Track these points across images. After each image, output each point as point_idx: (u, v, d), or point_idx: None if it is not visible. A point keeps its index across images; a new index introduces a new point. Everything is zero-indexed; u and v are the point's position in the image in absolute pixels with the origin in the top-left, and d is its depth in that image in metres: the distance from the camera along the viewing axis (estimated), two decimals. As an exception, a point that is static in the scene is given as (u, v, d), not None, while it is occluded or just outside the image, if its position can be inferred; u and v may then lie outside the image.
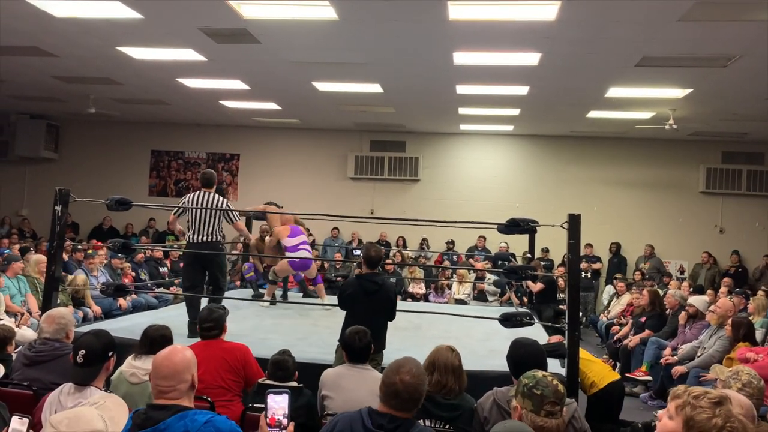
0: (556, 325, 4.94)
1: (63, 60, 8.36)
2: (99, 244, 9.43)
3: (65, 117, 13.21)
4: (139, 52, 7.83)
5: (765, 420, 3.02)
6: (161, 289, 9.41)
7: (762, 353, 5.05)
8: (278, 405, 2.11)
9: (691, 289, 9.16)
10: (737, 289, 8.98)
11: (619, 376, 4.88)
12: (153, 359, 2.25)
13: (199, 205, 5.52)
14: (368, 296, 4.29)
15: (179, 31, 6.92)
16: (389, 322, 4.46)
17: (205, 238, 5.52)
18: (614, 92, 8.52)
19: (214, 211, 5.49)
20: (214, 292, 5.71)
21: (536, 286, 8.62)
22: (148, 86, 9.78)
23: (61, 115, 13.05)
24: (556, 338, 5.06)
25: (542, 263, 10.30)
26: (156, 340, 3.32)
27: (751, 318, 6.28)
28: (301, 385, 3.46)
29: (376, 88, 9.00)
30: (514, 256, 9.62)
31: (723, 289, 7.99)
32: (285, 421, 2.10)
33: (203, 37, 6.99)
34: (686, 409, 1.76)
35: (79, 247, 9.02)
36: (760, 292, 7.47)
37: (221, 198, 5.68)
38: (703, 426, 1.71)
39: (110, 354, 2.77)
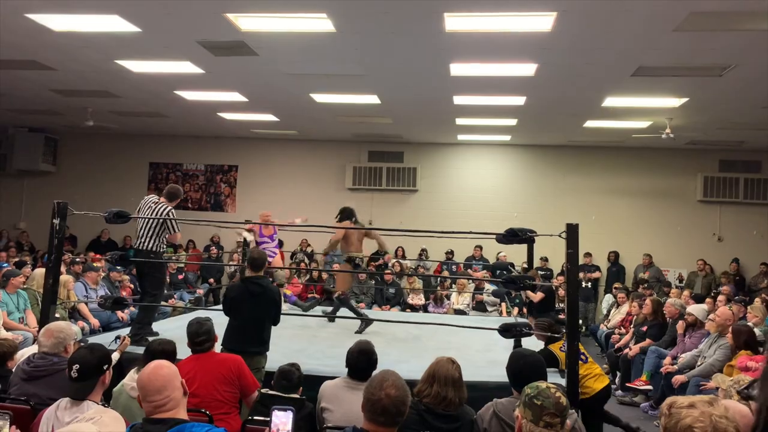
0: (556, 335, 4.93)
1: (61, 73, 8.39)
2: (97, 256, 9.41)
3: (63, 130, 13.23)
4: (137, 65, 7.86)
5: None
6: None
7: (762, 362, 5.04)
8: (282, 422, 2.09)
9: (692, 296, 9.15)
10: (736, 297, 8.98)
11: (608, 380, 4.91)
12: (140, 380, 2.24)
13: (139, 212, 5.59)
14: (253, 298, 4.39)
15: (177, 44, 6.94)
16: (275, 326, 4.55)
17: (138, 246, 5.60)
18: (611, 102, 8.56)
19: (150, 220, 5.50)
20: (141, 300, 5.70)
21: (537, 296, 8.61)
22: (146, 99, 9.81)
23: (59, 128, 13.06)
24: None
25: (540, 273, 10.29)
26: (158, 354, 3.31)
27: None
28: (303, 397, 3.45)
29: (373, 99, 9.03)
30: (513, 265, 9.61)
31: (721, 297, 7.98)
32: None
33: (201, 49, 7.01)
34: (663, 419, 1.81)
35: (77, 260, 8.99)
36: (757, 300, 7.47)
37: (165, 207, 5.60)
38: (672, 430, 1.75)
39: (105, 367, 2.75)
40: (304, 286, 11.01)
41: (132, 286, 9.46)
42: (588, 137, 11.26)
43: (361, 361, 3.41)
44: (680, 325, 6.67)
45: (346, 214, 7.38)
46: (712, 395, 2.13)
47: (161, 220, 5.49)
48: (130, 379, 3.33)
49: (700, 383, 5.40)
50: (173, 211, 5.59)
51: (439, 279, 11.79)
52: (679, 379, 5.79)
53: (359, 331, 6.58)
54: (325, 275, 11.39)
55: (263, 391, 3.45)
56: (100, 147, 13.61)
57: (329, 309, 7.47)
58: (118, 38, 6.77)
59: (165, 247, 5.77)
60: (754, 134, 10.26)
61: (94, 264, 8.77)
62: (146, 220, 5.51)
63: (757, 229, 11.86)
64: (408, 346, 5.94)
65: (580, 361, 4.72)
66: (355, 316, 6.98)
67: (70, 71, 8.26)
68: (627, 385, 6.83)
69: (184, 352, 3.75)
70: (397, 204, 12.84)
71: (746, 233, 11.88)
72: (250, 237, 7.75)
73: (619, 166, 12.27)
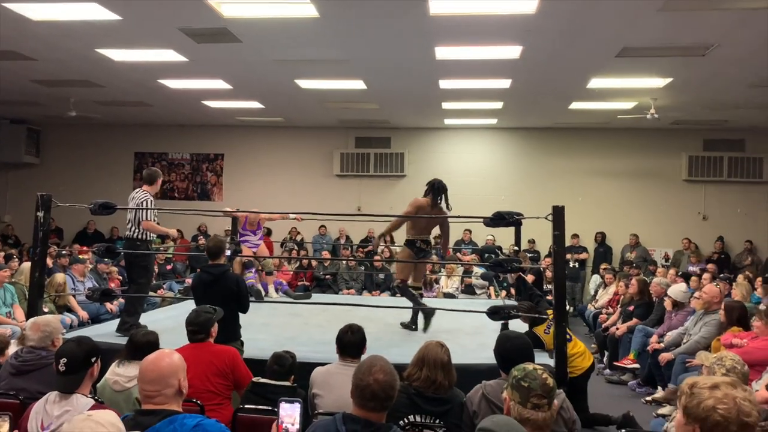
0: (539, 317, 4.99)
1: (42, 63, 8.26)
2: (84, 248, 9.35)
3: (46, 121, 13.06)
4: (118, 54, 7.76)
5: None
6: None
7: (747, 338, 5.12)
8: (290, 414, 2.08)
9: (679, 275, 9.25)
10: (721, 275, 9.10)
11: (593, 357, 5.07)
12: (140, 364, 2.24)
13: (128, 201, 5.57)
14: (208, 287, 4.42)
15: (159, 31, 6.86)
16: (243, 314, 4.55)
17: (126, 235, 5.60)
18: (596, 83, 8.58)
19: (131, 208, 5.48)
20: (129, 291, 5.70)
21: (528, 278, 8.68)
22: (129, 88, 9.70)
23: (41, 119, 12.89)
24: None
25: (528, 255, 10.35)
26: (141, 346, 3.30)
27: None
28: (295, 385, 3.46)
29: (359, 84, 8.99)
30: (500, 248, 9.66)
31: (706, 275, 8.08)
32: (298, 431, 2.07)
33: (183, 37, 6.93)
34: (683, 398, 1.78)
35: (64, 252, 8.92)
36: (740, 277, 7.57)
37: (142, 194, 5.55)
38: (694, 410, 1.72)
39: (93, 360, 2.74)
40: (294, 273, 11.01)
41: (120, 277, 9.41)
42: (574, 119, 11.30)
43: (349, 335, 3.45)
44: (668, 303, 6.75)
45: (435, 189, 5.85)
46: (728, 377, 2.12)
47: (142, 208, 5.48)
48: (112, 373, 3.32)
49: (686, 360, 5.49)
50: (150, 199, 5.53)
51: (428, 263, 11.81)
52: (665, 357, 5.87)
53: (425, 327, 5.75)
54: (314, 263, 11.40)
55: (254, 379, 3.46)
56: (84, 137, 13.46)
57: (324, 296, 7.44)
58: (98, 27, 6.67)
59: (153, 236, 5.73)
60: (738, 113, 10.34)
61: (81, 256, 8.70)
62: (129, 209, 5.49)
63: (741, 207, 12.00)
64: (398, 331, 5.97)
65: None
66: (413, 305, 5.96)
67: (51, 61, 8.14)
68: (615, 363, 6.92)
69: (172, 342, 3.75)
70: (385, 189, 12.83)
71: (730, 211, 12.02)
72: (238, 213, 7.72)
73: (604, 147, 12.33)
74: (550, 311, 4.74)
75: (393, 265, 11.54)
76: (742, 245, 11.68)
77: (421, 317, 5.93)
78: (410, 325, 6.04)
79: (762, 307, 5.87)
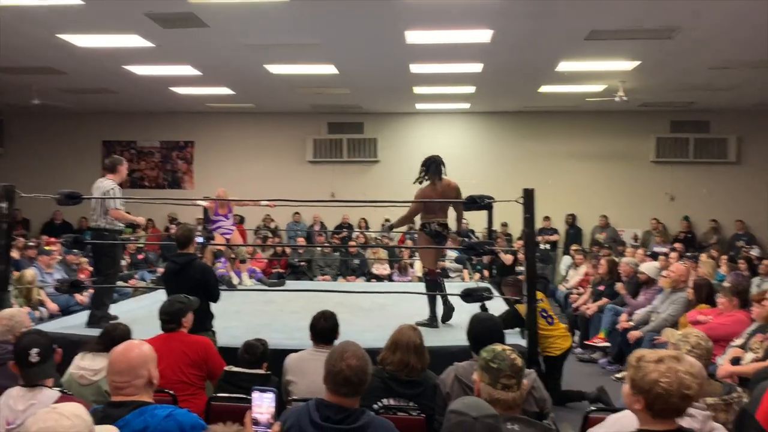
0: (516, 297, 5.08)
1: (1, 50, 8.00)
2: (52, 240, 9.15)
3: (8, 109, 12.69)
4: (82, 40, 7.56)
5: (713, 378, 3.17)
6: (120, 283, 9.20)
7: (711, 315, 5.27)
8: (264, 403, 2.05)
9: (648, 254, 9.44)
10: (687, 254, 9.32)
11: (571, 338, 5.28)
12: (109, 355, 2.22)
13: (92, 191, 5.48)
14: (175, 276, 4.42)
15: (123, 16, 6.69)
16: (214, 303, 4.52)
17: (92, 225, 5.54)
18: (565, 66, 8.64)
19: (97, 198, 5.40)
20: (97, 282, 5.63)
21: (508, 258, 8.81)
22: (94, 75, 9.47)
23: (4, 107, 12.52)
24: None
25: (506, 237, 10.48)
26: (115, 338, 3.26)
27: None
28: (269, 372, 3.46)
29: (330, 69, 8.92)
30: (473, 232, 9.73)
31: (674, 254, 8.27)
32: (271, 420, 2.05)
33: (149, 22, 6.78)
34: (630, 371, 1.90)
35: (31, 243, 8.73)
36: (703, 256, 7.75)
37: (107, 182, 5.47)
38: (640, 382, 1.84)
39: (55, 347, 2.75)
40: (268, 261, 10.95)
41: (90, 268, 9.25)
42: (544, 102, 11.39)
43: (322, 322, 3.46)
44: (619, 287, 6.92)
45: (432, 167, 5.44)
46: (674, 351, 2.23)
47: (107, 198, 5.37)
48: (76, 367, 3.28)
49: (654, 338, 5.63)
50: (115, 188, 5.43)
51: (401, 249, 11.87)
52: (634, 335, 6.01)
53: (445, 319, 5.39)
54: (289, 250, 11.35)
55: (227, 368, 3.45)
56: (49, 126, 13.12)
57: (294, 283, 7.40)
58: (60, 11, 6.48)
59: (121, 225, 5.63)
60: (704, 95, 10.54)
61: (48, 248, 8.52)
62: (95, 198, 5.38)
63: (706, 187, 12.27)
64: (373, 316, 6.01)
65: (546, 323, 4.99)
66: (430, 300, 5.51)
67: (10, 48, 7.88)
68: (585, 342, 7.06)
69: (145, 332, 3.72)
70: (359, 175, 12.80)
71: (697, 192, 12.28)
72: (206, 204, 7.62)
73: (575, 130, 12.46)
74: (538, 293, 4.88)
75: (368, 250, 11.57)
76: (707, 224, 11.97)
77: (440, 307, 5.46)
78: (431, 322, 5.37)
79: (726, 284, 6.03)
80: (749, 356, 4.21)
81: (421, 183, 5.52)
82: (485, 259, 9.16)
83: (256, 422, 2.04)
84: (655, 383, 1.80)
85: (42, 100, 10.47)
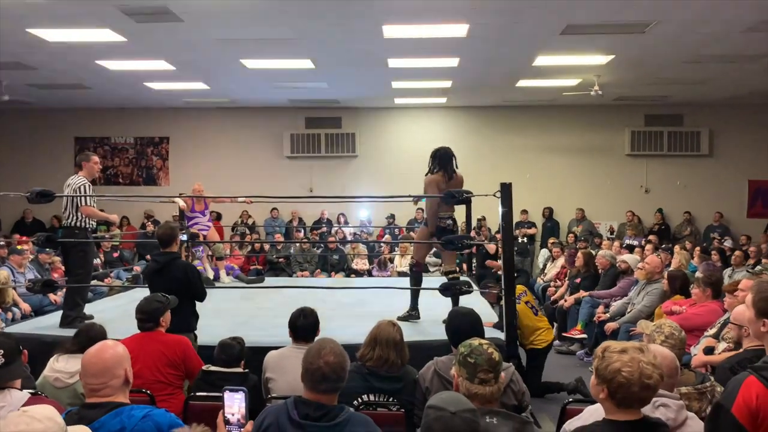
0: (493, 291, 5.13)
1: (-33, 45, 7.80)
2: (23, 239, 8.97)
3: (-24, 106, 12.38)
4: (52, 34, 7.39)
5: (687, 368, 3.22)
6: (94, 282, 9.07)
7: (686, 305, 5.36)
8: (235, 403, 2.04)
9: (623, 246, 9.58)
10: (662, 246, 9.48)
11: (554, 332, 5.40)
12: (82, 357, 2.18)
13: (64, 189, 5.37)
14: (157, 275, 4.37)
15: (95, 10, 6.55)
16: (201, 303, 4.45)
17: (63, 224, 5.42)
18: (541, 61, 8.70)
19: (68, 195, 5.29)
20: (69, 281, 5.52)
21: (492, 247, 8.86)
22: (66, 70, 9.28)
23: (-29, 104, 12.22)
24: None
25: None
26: (93, 340, 3.20)
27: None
28: (246, 370, 3.43)
29: (307, 63, 8.86)
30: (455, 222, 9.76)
31: (649, 246, 8.40)
32: (243, 420, 2.04)
33: (121, 16, 6.66)
34: (595, 361, 1.96)
35: (1, 242, 8.54)
36: (677, 248, 7.88)
37: (77, 179, 5.35)
38: (603, 372, 1.89)
39: (21, 348, 2.68)
40: (246, 258, 10.88)
41: (63, 267, 9.10)
42: (521, 97, 11.46)
43: (301, 320, 3.44)
44: (624, 267, 7.04)
45: (443, 159, 5.31)
46: (641, 342, 2.27)
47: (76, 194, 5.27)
48: (51, 370, 3.22)
49: (630, 329, 5.71)
50: (86, 184, 5.33)
51: (381, 244, 11.87)
52: (611, 326, 6.10)
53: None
54: (267, 246, 11.28)
55: (204, 367, 3.42)
56: (20, 123, 12.83)
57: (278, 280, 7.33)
58: (29, 5, 6.32)
59: (93, 223, 5.52)
60: (677, 88, 10.70)
61: (19, 247, 8.35)
62: (66, 196, 5.27)
63: (680, 179, 12.48)
64: (353, 312, 5.99)
65: (532, 314, 5.09)
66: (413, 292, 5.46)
67: (-23, 42, 7.69)
68: (563, 334, 7.15)
69: (120, 331, 3.67)
70: (337, 170, 12.75)
71: (670, 184, 12.49)
72: (182, 203, 7.50)
73: (551, 124, 12.57)
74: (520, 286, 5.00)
75: (347, 246, 11.56)
76: (681, 216, 12.18)
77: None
78: (412, 314, 5.38)
79: (699, 275, 6.14)
80: (722, 346, 4.29)
81: (432, 173, 5.32)
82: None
83: (227, 422, 2.02)
84: (617, 372, 1.85)
85: (12, 96, 10.22)
